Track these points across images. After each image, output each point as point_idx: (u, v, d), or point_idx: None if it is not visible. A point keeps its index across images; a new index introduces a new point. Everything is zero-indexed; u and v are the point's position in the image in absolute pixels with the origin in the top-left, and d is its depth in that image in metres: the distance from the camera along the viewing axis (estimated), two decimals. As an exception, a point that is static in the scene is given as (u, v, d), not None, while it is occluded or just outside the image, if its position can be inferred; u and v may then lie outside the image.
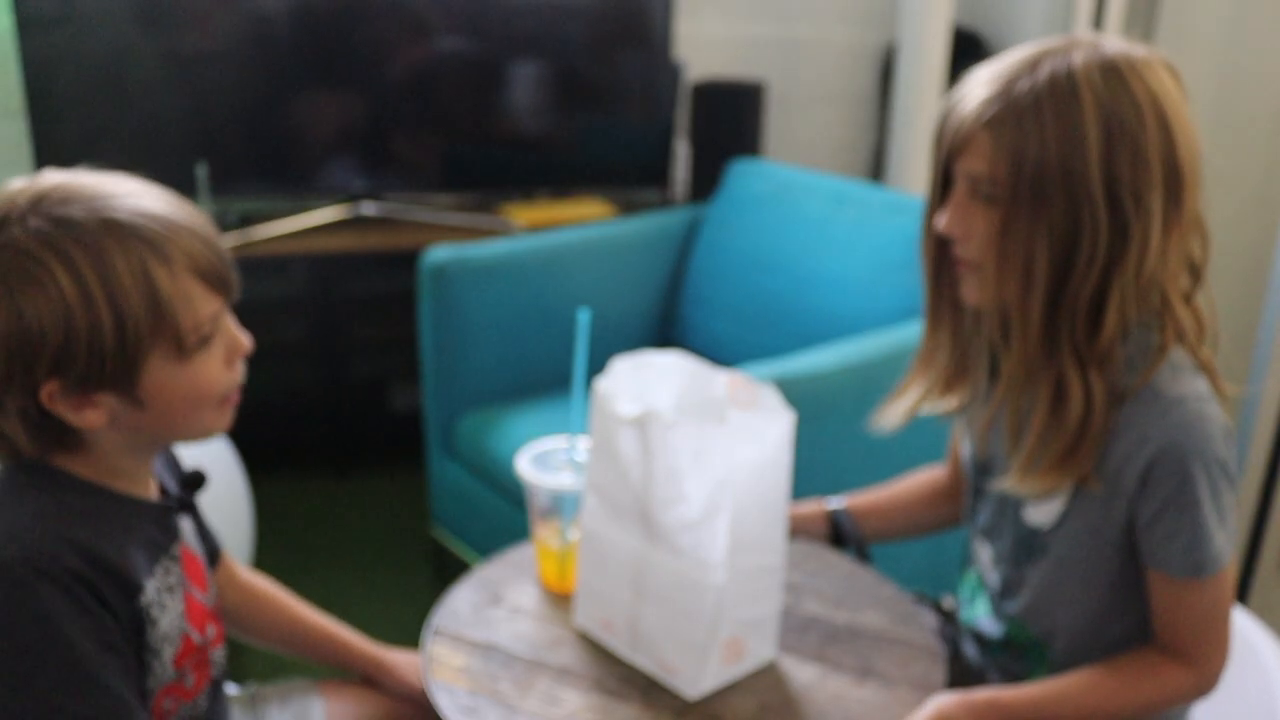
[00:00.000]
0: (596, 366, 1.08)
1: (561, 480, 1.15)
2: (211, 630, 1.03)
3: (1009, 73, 0.99)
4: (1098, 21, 2.63)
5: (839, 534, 1.29)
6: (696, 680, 1.01)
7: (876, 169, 3.10)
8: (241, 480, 1.98)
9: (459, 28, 2.54)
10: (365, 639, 1.25)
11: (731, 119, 2.68)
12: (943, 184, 1.06)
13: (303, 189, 2.58)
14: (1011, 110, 0.97)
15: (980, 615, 1.20)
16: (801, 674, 1.06)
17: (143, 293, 0.86)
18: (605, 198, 2.73)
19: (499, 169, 2.67)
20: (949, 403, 1.17)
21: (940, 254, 1.10)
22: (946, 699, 0.99)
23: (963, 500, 1.30)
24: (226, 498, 1.91)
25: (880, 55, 3.06)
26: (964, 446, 1.21)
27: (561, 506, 1.15)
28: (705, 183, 2.63)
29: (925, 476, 1.33)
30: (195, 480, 1.05)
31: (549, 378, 2.13)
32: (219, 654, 1.05)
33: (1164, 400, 0.99)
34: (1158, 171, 0.96)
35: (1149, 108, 0.96)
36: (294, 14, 2.45)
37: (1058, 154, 0.96)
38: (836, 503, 1.30)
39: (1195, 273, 1.04)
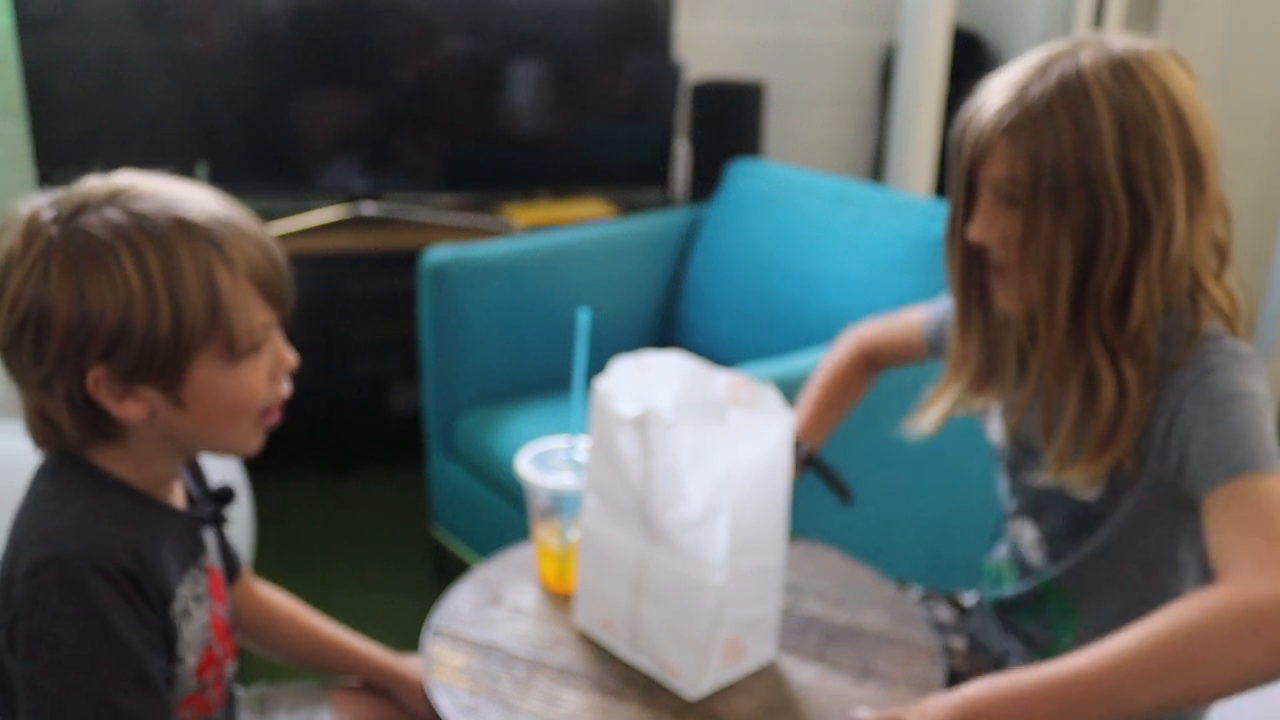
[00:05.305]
0: (596, 366, 1.08)
1: (561, 480, 1.15)
2: (225, 646, 1.04)
3: (1022, 79, 1.01)
4: (1098, 21, 2.63)
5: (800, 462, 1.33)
6: (696, 680, 1.01)
7: (876, 169, 3.10)
8: (241, 480, 1.98)
9: (459, 28, 2.54)
10: (381, 649, 1.25)
11: (731, 119, 2.68)
12: (967, 195, 1.08)
13: (303, 189, 2.58)
14: (1026, 115, 0.99)
15: (1007, 590, 1.21)
16: (801, 674, 1.06)
17: (203, 290, 0.88)
18: (605, 198, 2.73)
19: (499, 169, 2.67)
20: (979, 404, 1.18)
21: (967, 263, 1.11)
22: (972, 694, 0.89)
23: (882, 367, 1.38)
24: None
25: (880, 55, 3.06)
26: (992, 430, 1.22)
27: (561, 506, 1.15)
28: (705, 183, 2.63)
29: (846, 365, 1.37)
30: (226, 495, 1.06)
31: (549, 378, 2.13)
32: (230, 669, 1.06)
33: (1202, 362, 0.99)
34: (1176, 160, 0.98)
35: (1161, 99, 0.98)
36: (294, 14, 2.44)
37: (1074, 154, 0.98)
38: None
39: (1222, 252, 1.05)
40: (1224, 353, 0.99)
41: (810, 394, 1.37)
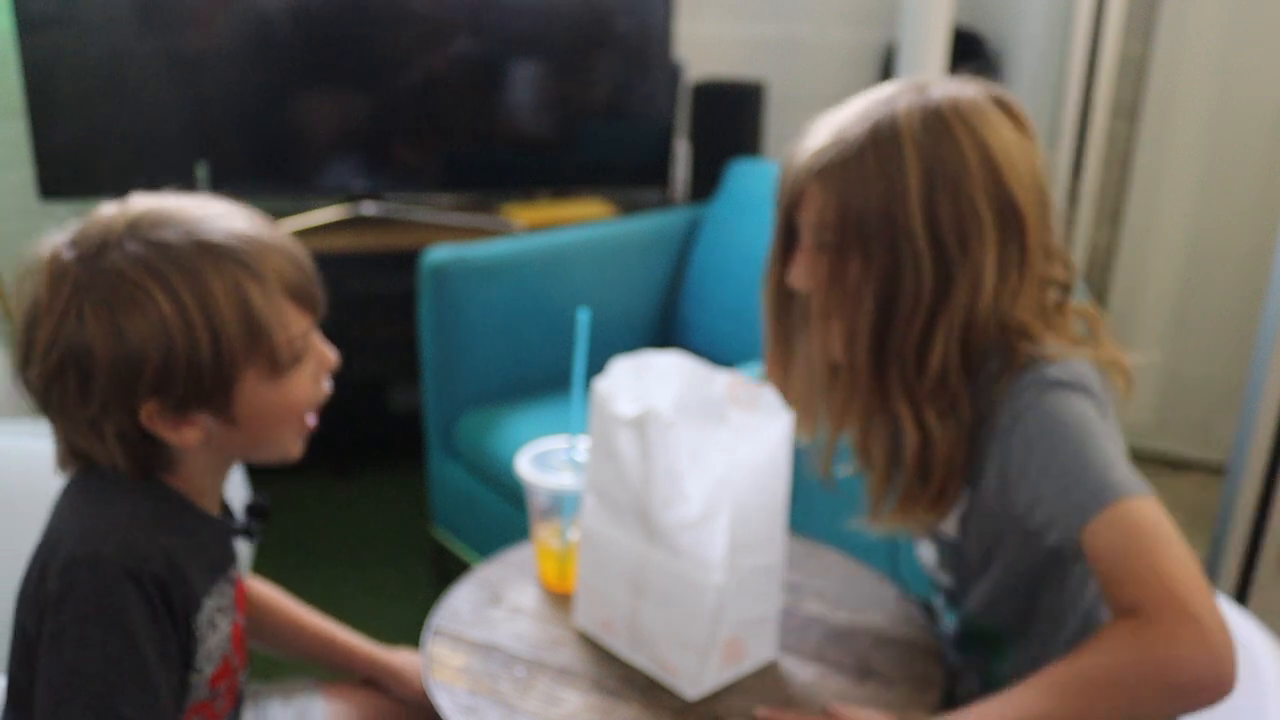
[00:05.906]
0: (596, 366, 1.08)
1: (561, 480, 1.15)
2: (241, 656, 1.05)
3: (842, 122, 1.00)
4: (1097, 21, 2.63)
5: None
6: (696, 680, 1.01)
7: (876, 169, 3.10)
8: (241, 480, 1.98)
9: (459, 28, 2.54)
10: (368, 641, 1.26)
11: (731, 119, 2.68)
12: (787, 236, 1.06)
13: (303, 189, 2.58)
14: (839, 159, 0.98)
15: (946, 628, 1.19)
16: (801, 674, 1.06)
17: (238, 312, 0.88)
18: (605, 198, 2.73)
19: (499, 169, 2.67)
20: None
21: (781, 307, 1.09)
22: None
23: None
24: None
25: (880, 55, 3.06)
26: None
27: (561, 506, 1.15)
28: (705, 183, 2.63)
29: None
30: (262, 509, 1.07)
31: (549, 378, 2.13)
32: (243, 678, 1.07)
33: (1015, 406, 0.96)
34: (987, 214, 0.96)
35: (973, 152, 0.96)
36: (294, 14, 2.44)
37: (879, 203, 0.96)
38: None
39: (1064, 288, 1.03)
40: (1033, 386, 0.96)
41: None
